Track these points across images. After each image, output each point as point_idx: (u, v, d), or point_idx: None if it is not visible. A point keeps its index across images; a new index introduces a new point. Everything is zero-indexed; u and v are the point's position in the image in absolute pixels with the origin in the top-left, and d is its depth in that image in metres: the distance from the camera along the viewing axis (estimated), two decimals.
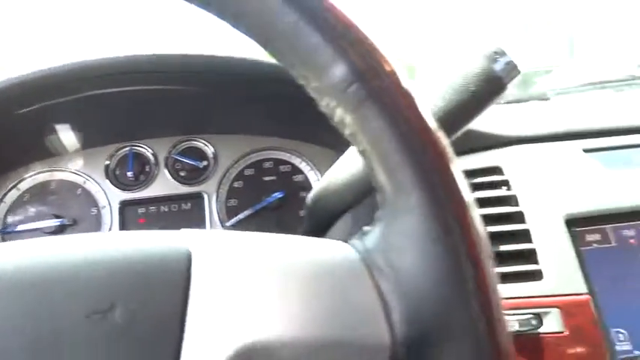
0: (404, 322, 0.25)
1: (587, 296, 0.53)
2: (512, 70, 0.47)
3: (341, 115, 0.28)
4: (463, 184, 0.27)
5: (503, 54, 0.46)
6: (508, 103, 0.89)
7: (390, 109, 0.27)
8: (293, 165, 0.78)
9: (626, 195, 0.60)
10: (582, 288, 0.53)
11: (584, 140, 0.66)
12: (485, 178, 0.62)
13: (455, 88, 0.46)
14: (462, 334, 0.25)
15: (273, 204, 0.75)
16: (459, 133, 0.49)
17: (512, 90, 0.48)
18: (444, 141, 0.27)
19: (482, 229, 0.26)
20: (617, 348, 0.54)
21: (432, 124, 0.27)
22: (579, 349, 0.51)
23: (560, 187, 0.60)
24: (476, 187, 0.61)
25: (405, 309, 0.26)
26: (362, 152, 0.29)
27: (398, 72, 0.27)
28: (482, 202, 0.60)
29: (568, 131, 0.66)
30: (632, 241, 0.59)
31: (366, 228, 0.30)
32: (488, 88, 0.46)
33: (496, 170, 0.62)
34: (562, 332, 0.52)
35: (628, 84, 1.03)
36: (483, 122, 0.67)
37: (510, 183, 0.61)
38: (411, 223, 0.26)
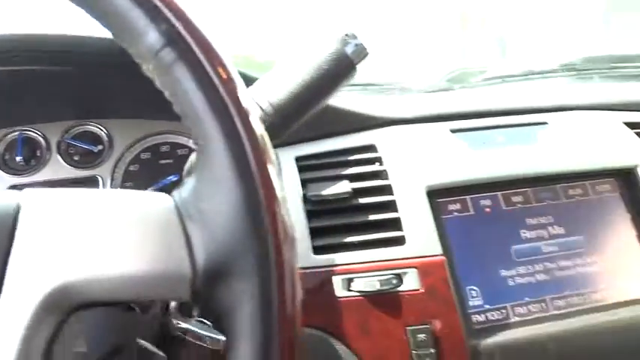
0: (203, 257, 0.29)
1: (442, 258, 0.59)
2: (361, 52, 0.52)
3: (158, 79, 0.31)
4: (263, 139, 0.31)
5: (354, 37, 0.51)
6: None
7: (197, 69, 0.30)
8: (190, 148, 0.80)
9: (484, 169, 0.67)
10: (438, 250, 0.59)
11: (452, 122, 0.72)
12: (360, 155, 0.67)
13: (310, 67, 0.50)
14: (252, 271, 0.28)
15: (167, 186, 0.77)
16: (318, 108, 0.53)
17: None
18: (248, 98, 0.31)
19: (276, 179, 0.30)
20: (470, 303, 0.61)
21: (238, 83, 0.31)
22: (433, 304, 0.57)
23: (426, 163, 0.66)
24: (352, 163, 0.66)
25: (205, 246, 0.29)
26: (180, 112, 0.32)
27: (206, 37, 0.31)
28: (357, 177, 0.65)
29: (438, 114, 0.73)
30: (487, 209, 0.66)
31: (186, 179, 0.33)
32: (340, 67, 0.51)
33: (370, 148, 0.68)
34: (418, 290, 0.57)
35: (527, 78, 1.13)
36: (362, 105, 0.72)
37: (382, 159, 0.66)
38: (217, 170, 0.30)
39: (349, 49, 0.51)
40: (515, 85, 1.05)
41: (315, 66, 0.50)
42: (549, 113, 0.76)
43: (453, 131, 0.71)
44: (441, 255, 0.59)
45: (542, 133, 0.74)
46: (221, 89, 0.30)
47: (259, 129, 0.31)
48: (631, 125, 0.75)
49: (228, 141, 0.29)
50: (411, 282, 0.58)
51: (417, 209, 0.62)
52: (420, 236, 0.60)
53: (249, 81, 0.50)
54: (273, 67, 0.53)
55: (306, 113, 0.51)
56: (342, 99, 0.71)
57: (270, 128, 0.50)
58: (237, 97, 0.30)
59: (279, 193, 0.30)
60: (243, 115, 0.30)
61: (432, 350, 0.55)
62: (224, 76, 0.30)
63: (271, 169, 0.30)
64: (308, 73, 0.50)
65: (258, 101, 0.51)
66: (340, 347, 0.55)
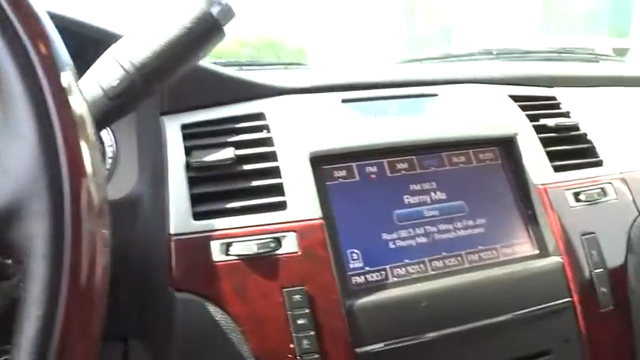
0: (3, 199, 0.28)
1: (321, 221, 0.60)
2: (228, 13, 0.52)
3: None
4: (69, 86, 0.30)
5: None
6: None
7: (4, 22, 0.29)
8: None
9: (371, 137, 0.68)
10: (317, 214, 0.60)
11: (344, 92, 0.74)
12: (248, 123, 0.67)
13: (174, 26, 0.50)
14: (45, 212, 0.28)
15: None
16: (184, 68, 0.53)
17: None
18: (49, 49, 0.30)
19: (80, 123, 0.30)
20: (351, 265, 0.62)
21: (47, 32, 0.30)
22: (309, 266, 0.58)
23: (313, 131, 0.67)
24: (238, 130, 0.66)
25: (4, 189, 0.28)
26: None
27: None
28: (243, 144, 0.65)
29: (330, 84, 0.74)
30: (372, 176, 0.68)
31: None
32: (204, 28, 0.50)
33: (259, 116, 0.68)
34: (296, 252, 0.58)
35: (445, 60, 1.16)
36: (254, 75, 0.72)
37: (270, 127, 0.67)
38: (13, 119, 0.29)
39: (215, 10, 0.51)
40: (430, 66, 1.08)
41: (179, 25, 0.50)
42: (440, 86, 0.79)
43: (344, 101, 0.73)
44: (320, 219, 0.60)
45: (432, 105, 0.76)
46: (29, 46, 0.29)
47: (66, 78, 0.30)
48: (515, 98, 0.79)
49: (25, 82, 0.29)
50: (290, 245, 0.59)
51: (300, 175, 0.63)
52: (301, 201, 0.61)
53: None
54: (141, 29, 0.52)
55: (171, 73, 0.51)
56: (234, 69, 0.71)
57: (131, 87, 0.50)
58: (42, 52, 0.29)
59: (81, 137, 0.30)
60: (42, 58, 0.29)
61: (307, 310, 0.56)
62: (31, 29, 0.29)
63: (73, 114, 0.30)
64: (172, 32, 0.49)
65: (119, 59, 0.50)
66: (216, 311, 0.56)
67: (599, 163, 0.77)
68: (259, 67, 1.01)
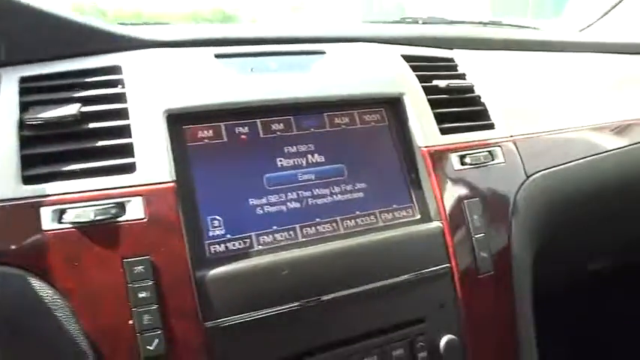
0: None
1: (172, 184, 0.55)
2: None
3: None
4: None
5: None
6: None
7: None
8: None
9: (244, 95, 0.62)
10: (167, 177, 0.55)
11: (218, 47, 0.67)
12: (100, 77, 0.60)
13: None
14: None
15: None
16: None
17: None
18: None
19: None
20: (210, 233, 0.57)
21: None
22: (156, 233, 0.53)
23: (175, 87, 0.60)
24: (88, 85, 0.59)
25: None
26: None
27: None
28: (91, 100, 0.58)
29: (202, 38, 0.67)
30: (243, 137, 0.63)
31: None
32: None
33: (114, 70, 0.61)
34: (142, 219, 0.53)
35: None
36: (115, 25, 0.65)
37: (125, 82, 0.60)
38: None
39: None
40: None
41: None
42: (329, 44, 0.74)
43: (218, 56, 0.66)
44: (172, 182, 0.55)
45: (317, 63, 0.71)
46: None
47: None
48: (407, 58, 0.75)
49: None
50: (135, 211, 0.53)
51: (153, 135, 0.56)
52: (152, 163, 0.55)
53: None
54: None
55: None
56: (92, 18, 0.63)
57: None
58: None
59: None
60: None
61: (151, 282, 0.51)
62: None
63: None
64: None
65: None
66: (42, 286, 0.49)
67: (490, 126, 0.74)
68: None
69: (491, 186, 0.69)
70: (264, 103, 0.63)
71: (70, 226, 0.51)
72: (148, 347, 0.50)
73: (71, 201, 0.52)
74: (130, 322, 0.50)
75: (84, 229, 0.51)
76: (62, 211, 0.51)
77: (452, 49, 0.83)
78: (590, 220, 0.80)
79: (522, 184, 0.72)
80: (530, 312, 0.69)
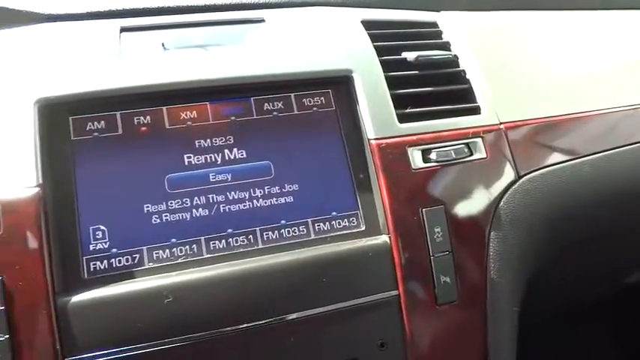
0: None
1: (36, 190, 0.45)
2: None
3: None
4: None
5: None
6: None
7: None
8: None
9: (145, 77, 0.51)
10: (32, 182, 0.45)
11: (126, 19, 0.56)
12: None
13: None
14: None
15: None
16: None
17: None
18: None
19: None
20: (92, 247, 0.47)
21: None
22: (13, 250, 0.43)
23: (59, 69, 0.50)
24: None
25: None
26: None
27: None
28: None
29: (108, 9, 0.56)
30: (144, 129, 0.52)
31: None
32: None
33: None
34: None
35: None
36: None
37: (6, 65, 0.50)
38: None
39: None
40: None
41: None
42: (271, 9, 0.60)
43: (124, 30, 0.55)
44: (37, 187, 0.45)
45: (252, 34, 0.58)
46: None
47: None
48: (368, 25, 0.60)
49: None
50: None
51: (21, 129, 0.47)
52: (17, 163, 0.46)
53: None
54: None
55: None
56: None
57: None
58: None
59: None
60: None
61: (0, 308, 0.43)
62: None
63: None
64: None
65: None
66: None
67: (474, 110, 0.58)
68: None
69: (463, 190, 0.54)
70: (172, 87, 0.52)
71: None
72: None
73: None
74: None
75: None
76: None
77: (439, 10, 0.67)
78: (599, 235, 0.62)
79: (510, 186, 0.56)
80: (510, 354, 0.54)
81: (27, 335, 0.43)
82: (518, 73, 0.62)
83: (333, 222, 0.52)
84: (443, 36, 0.63)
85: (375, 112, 0.54)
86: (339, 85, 0.56)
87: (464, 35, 0.63)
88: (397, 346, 0.50)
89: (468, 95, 0.59)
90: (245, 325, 0.46)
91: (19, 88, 0.48)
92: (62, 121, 0.49)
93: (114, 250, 0.48)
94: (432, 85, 0.58)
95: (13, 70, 0.50)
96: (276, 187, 0.52)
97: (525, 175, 0.57)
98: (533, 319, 0.59)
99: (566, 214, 0.57)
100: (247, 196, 0.51)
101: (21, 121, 0.47)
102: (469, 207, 0.54)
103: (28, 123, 0.47)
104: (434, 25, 0.64)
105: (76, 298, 0.44)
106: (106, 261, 0.47)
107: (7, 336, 0.42)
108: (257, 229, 0.51)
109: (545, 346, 0.80)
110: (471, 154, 0.56)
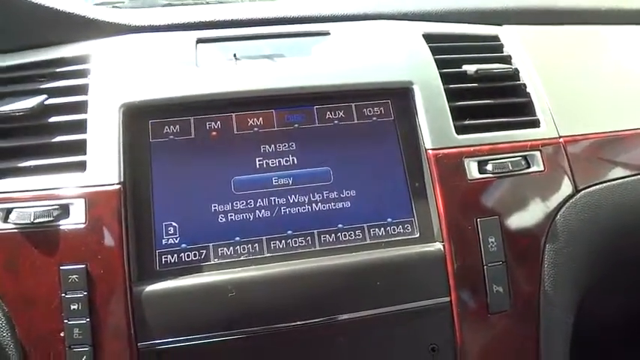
0: None
1: (118, 187, 0.49)
2: None
3: None
4: None
5: None
6: None
7: None
8: None
9: (216, 85, 0.55)
10: (115, 179, 0.50)
11: (202, 31, 0.60)
12: (67, 67, 0.56)
13: None
14: None
15: None
16: None
17: None
18: None
19: None
20: (164, 241, 0.51)
21: None
22: (95, 240, 0.48)
23: (141, 76, 0.54)
24: (54, 76, 0.56)
25: None
26: None
27: None
28: (54, 92, 0.54)
29: (184, 22, 0.61)
30: (214, 133, 0.55)
31: None
32: None
33: (83, 59, 0.56)
34: (82, 223, 0.49)
35: None
36: (87, 9, 0.61)
37: (91, 72, 0.56)
38: None
39: None
40: None
41: None
42: (336, 23, 0.63)
43: (200, 41, 0.60)
44: (118, 184, 0.50)
45: (318, 46, 0.61)
46: None
47: None
48: (429, 38, 0.61)
49: None
50: (77, 215, 0.49)
51: (108, 131, 0.52)
52: (104, 162, 0.50)
53: None
54: None
55: None
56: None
57: None
58: None
59: None
60: None
61: (84, 293, 0.47)
62: None
63: None
64: None
65: None
66: None
67: (533, 124, 0.59)
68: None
69: (519, 201, 0.54)
70: (242, 94, 0.55)
71: (14, 226, 0.49)
72: None
73: (18, 200, 0.49)
74: (62, 334, 0.47)
75: (24, 230, 0.48)
76: (9, 211, 0.49)
77: (501, 24, 0.67)
78: None
79: (567, 200, 0.56)
80: None
81: (106, 320, 0.47)
82: (580, 87, 0.62)
83: (388, 228, 0.54)
84: (504, 49, 0.64)
85: (434, 123, 0.56)
86: (399, 96, 0.58)
87: (525, 49, 0.64)
88: (448, 352, 0.51)
89: (527, 108, 0.60)
90: (300, 322, 0.49)
91: (107, 94, 0.53)
92: (143, 125, 0.54)
93: (183, 245, 0.52)
94: (491, 97, 0.59)
95: (102, 77, 0.55)
96: (335, 193, 0.55)
97: (583, 189, 0.56)
98: (588, 332, 0.58)
99: (624, 229, 0.56)
100: (307, 200, 0.54)
101: (107, 125, 0.52)
102: (524, 219, 0.54)
103: (113, 126, 0.52)
104: (495, 38, 0.65)
105: (150, 288, 0.48)
106: (176, 255, 0.51)
107: (89, 319, 0.47)
108: (315, 231, 0.53)
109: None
110: (528, 167, 0.56)
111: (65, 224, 0.48)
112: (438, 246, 0.52)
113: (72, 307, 0.47)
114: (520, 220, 0.54)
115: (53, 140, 0.52)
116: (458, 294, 0.51)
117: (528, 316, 0.53)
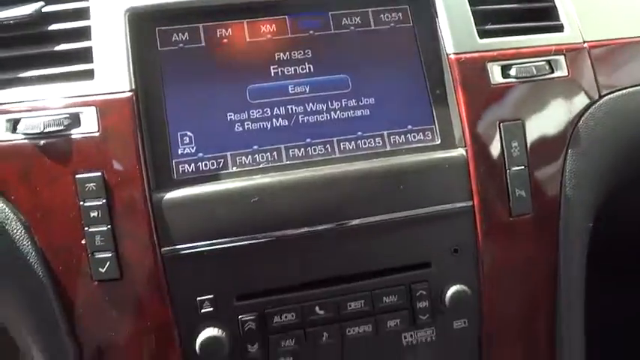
0: None
1: (130, 94, 0.47)
2: None
3: None
4: None
5: None
6: None
7: None
8: None
9: None
10: (127, 86, 0.47)
11: None
12: None
13: None
14: None
15: None
16: None
17: None
18: None
19: None
20: (179, 150, 0.50)
21: None
22: (110, 148, 0.47)
23: None
24: None
25: None
26: None
27: None
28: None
29: None
30: (225, 41, 0.53)
31: None
32: None
33: None
34: (95, 132, 0.47)
35: None
36: None
37: None
38: None
39: None
40: None
41: None
42: None
43: None
44: (131, 92, 0.47)
45: None
46: None
47: None
48: None
49: None
50: (89, 123, 0.47)
51: (114, 38, 0.49)
52: (111, 70, 0.48)
53: None
54: None
55: None
56: None
57: None
58: None
59: None
60: None
61: (102, 201, 0.46)
62: None
63: None
64: None
65: None
66: None
67: (556, 28, 0.56)
68: None
69: (542, 106, 0.53)
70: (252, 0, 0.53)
71: (24, 137, 0.47)
72: (100, 270, 0.46)
73: (25, 110, 0.47)
74: (83, 241, 0.47)
75: (35, 140, 0.47)
76: (16, 121, 0.47)
77: None
78: None
79: (590, 105, 0.54)
80: (580, 272, 0.54)
81: (127, 227, 0.46)
82: None
83: (409, 135, 0.53)
84: None
85: (455, 27, 0.53)
86: (418, 1, 0.55)
87: None
88: (470, 253, 0.51)
89: (551, 13, 0.57)
90: (324, 227, 0.49)
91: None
92: (149, 32, 0.51)
93: (200, 154, 0.50)
94: (514, 2, 0.57)
95: None
96: (353, 100, 0.53)
97: (607, 94, 0.55)
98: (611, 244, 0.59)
99: None
100: (325, 107, 0.53)
101: (113, 31, 0.49)
102: (547, 123, 0.53)
103: (119, 32, 0.49)
104: None
105: (170, 196, 0.47)
106: (193, 164, 0.50)
107: (109, 226, 0.46)
108: (334, 139, 0.52)
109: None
110: (552, 72, 0.54)
111: (77, 133, 0.47)
112: (460, 151, 0.51)
113: (92, 214, 0.46)
114: (543, 124, 0.53)
115: (56, 49, 0.49)
116: (480, 198, 0.50)
117: (549, 221, 0.53)
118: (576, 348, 0.54)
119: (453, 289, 0.50)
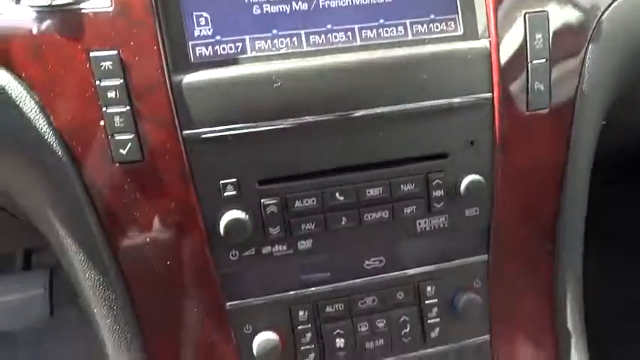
0: None
1: None
2: None
3: None
4: None
5: None
6: None
7: None
8: None
9: None
10: None
11: None
12: None
13: None
14: None
15: None
16: None
17: None
18: None
19: None
20: (195, 33, 0.48)
21: None
22: (125, 26, 0.44)
23: None
24: None
25: None
26: None
27: None
28: None
29: None
30: None
31: None
32: None
33: None
34: (108, 7, 0.44)
35: None
36: None
37: None
38: None
39: None
40: None
41: None
42: None
43: None
44: None
45: None
46: None
47: None
48: None
49: None
50: None
51: None
52: None
53: None
54: None
55: None
56: None
57: None
58: None
59: None
60: None
61: (120, 81, 0.44)
62: None
63: None
64: None
65: None
66: (5, 76, 0.45)
67: None
68: None
69: None
70: None
71: (30, 10, 0.44)
72: (121, 151, 0.46)
73: None
74: (102, 123, 0.46)
75: (44, 14, 0.44)
76: None
77: None
78: None
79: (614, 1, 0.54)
80: (586, 169, 0.56)
81: (147, 108, 0.45)
82: None
83: (431, 25, 0.51)
84: None
85: None
86: None
87: None
88: (486, 145, 0.52)
89: None
90: (346, 113, 0.48)
91: None
92: None
93: (217, 37, 0.48)
94: None
95: None
96: None
97: None
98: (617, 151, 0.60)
99: None
100: None
101: None
102: (572, 15, 0.52)
103: None
104: None
105: (189, 79, 0.46)
106: (210, 47, 0.48)
107: (129, 107, 0.45)
108: (356, 26, 0.50)
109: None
110: None
111: (88, 8, 0.44)
112: (484, 42, 0.50)
113: (109, 94, 0.44)
114: (568, 16, 0.52)
115: None
116: (501, 90, 0.50)
117: (564, 117, 0.54)
118: (576, 238, 0.58)
119: (467, 180, 0.51)
